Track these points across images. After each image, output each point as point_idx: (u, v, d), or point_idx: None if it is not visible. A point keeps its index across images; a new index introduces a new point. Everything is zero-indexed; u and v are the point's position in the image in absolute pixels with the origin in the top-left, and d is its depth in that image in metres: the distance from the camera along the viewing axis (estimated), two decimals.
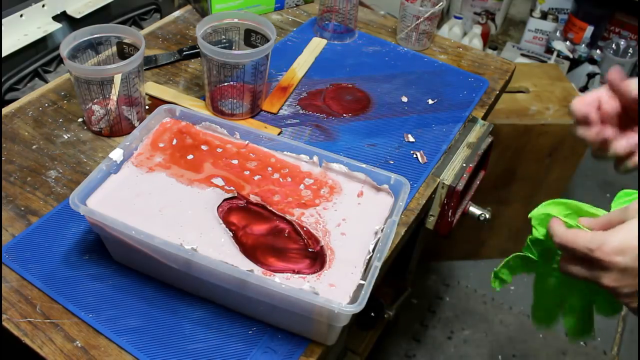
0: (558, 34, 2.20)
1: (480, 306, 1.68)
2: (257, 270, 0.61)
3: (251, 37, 0.90)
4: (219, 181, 0.71)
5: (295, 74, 1.01)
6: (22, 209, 0.75)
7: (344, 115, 0.94)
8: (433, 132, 0.92)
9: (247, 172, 0.72)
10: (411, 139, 0.91)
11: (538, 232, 0.62)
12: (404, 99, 0.98)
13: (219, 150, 0.74)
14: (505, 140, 1.47)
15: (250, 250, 0.64)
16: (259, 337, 0.64)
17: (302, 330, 0.63)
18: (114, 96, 0.81)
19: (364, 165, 0.71)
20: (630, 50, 2.19)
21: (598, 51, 2.19)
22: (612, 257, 0.47)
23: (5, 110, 0.89)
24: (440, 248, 1.76)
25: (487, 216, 0.95)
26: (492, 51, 2.17)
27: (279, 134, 0.89)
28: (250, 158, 0.74)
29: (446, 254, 1.78)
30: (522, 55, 2.19)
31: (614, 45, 2.20)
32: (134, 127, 0.86)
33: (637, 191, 0.57)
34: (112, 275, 0.68)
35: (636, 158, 0.56)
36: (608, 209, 0.57)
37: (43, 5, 1.06)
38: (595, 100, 0.56)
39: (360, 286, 0.59)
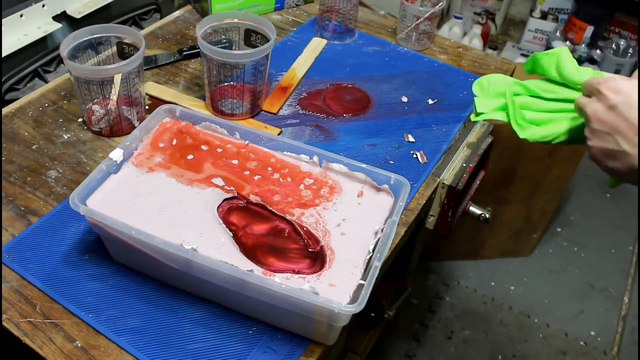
0: (558, 34, 2.20)
1: (480, 306, 1.68)
2: (257, 270, 0.61)
3: (251, 37, 0.90)
4: (219, 181, 0.71)
5: (295, 74, 1.01)
6: (22, 209, 0.75)
7: (344, 115, 0.94)
8: (433, 132, 0.92)
9: (247, 172, 0.72)
10: (411, 139, 0.91)
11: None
12: (404, 99, 0.98)
13: (219, 150, 0.74)
14: (505, 140, 1.46)
15: (250, 250, 0.64)
16: (259, 337, 0.64)
17: (302, 330, 0.63)
18: (114, 96, 0.81)
19: (364, 165, 0.71)
20: (630, 50, 2.18)
21: (598, 51, 2.19)
22: (608, 92, 0.56)
23: (5, 110, 0.89)
24: (440, 248, 1.76)
25: (487, 216, 0.95)
26: (492, 51, 2.17)
27: (279, 134, 0.89)
28: (250, 158, 0.74)
29: (446, 254, 1.78)
30: (522, 55, 2.19)
31: (614, 45, 2.20)
32: (134, 127, 0.86)
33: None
34: (112, 275, 0.68)
35: None
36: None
37: (43, 5, 1.06)
38: None
39: (360, 286, 0.59)
